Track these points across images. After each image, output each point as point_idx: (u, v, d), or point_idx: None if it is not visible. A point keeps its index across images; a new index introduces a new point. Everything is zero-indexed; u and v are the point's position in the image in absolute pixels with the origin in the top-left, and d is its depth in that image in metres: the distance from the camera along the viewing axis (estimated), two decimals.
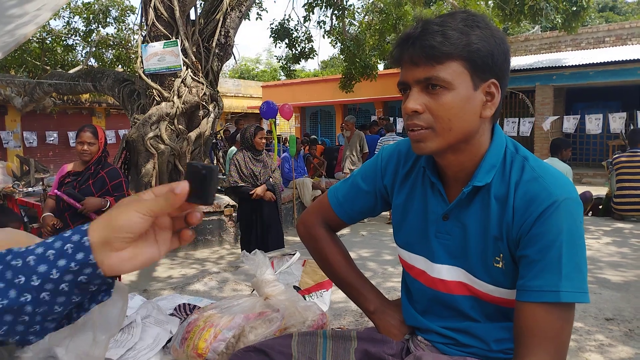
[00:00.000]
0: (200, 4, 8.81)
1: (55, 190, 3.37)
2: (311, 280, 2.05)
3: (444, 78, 0.92)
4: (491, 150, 1.00)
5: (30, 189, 6.74)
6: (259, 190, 4.67)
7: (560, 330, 0.89)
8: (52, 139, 16.99)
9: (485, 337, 1.03)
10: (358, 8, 13.65)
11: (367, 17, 13.46)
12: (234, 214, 6.55)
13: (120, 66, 16.99)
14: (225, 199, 6.58)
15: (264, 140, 4.88)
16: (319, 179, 8.87)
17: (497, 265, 0.98)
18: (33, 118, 16.23)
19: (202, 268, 5.19)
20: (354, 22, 13.71)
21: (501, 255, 0.98)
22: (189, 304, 1.61)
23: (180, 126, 7.85)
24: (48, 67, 14.32)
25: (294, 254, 1.94)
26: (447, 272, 1.05)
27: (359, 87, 13.66)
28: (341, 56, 14.70)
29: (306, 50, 13.03)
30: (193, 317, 1.31)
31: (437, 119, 0.94)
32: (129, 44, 16.70)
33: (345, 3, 12.13)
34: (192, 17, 8.21)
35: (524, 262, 0.94)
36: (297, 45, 12.97)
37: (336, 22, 12.80)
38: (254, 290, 1.45)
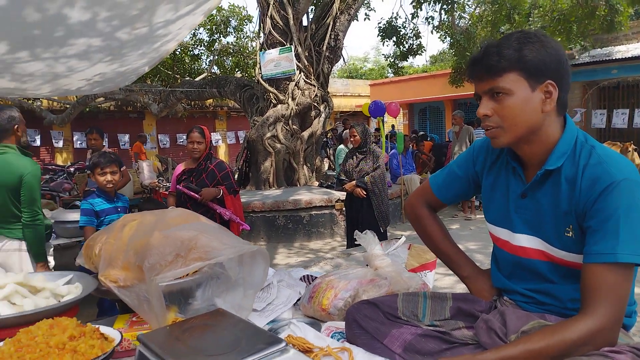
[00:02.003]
0: (312, 9, 9.30)
1: (177, 186, 3.95)
2: (416, 262, 2.27)
3: (503, 87, 1.17)
4: (562, 140, 1.20)
5: (168, 184, 7.73)
6: (347, 186, 4.95)
7: (618, 286, 1.06)
8: (181, 140, 18.80)
9: (561, 296, 1.21)
10: (468, 1, 13.31)
11: (478, 9, 13.10)
12: (344, 208, 6.90)
13: (238, 72, 18.34)
14: (336, 194, 6.94)
15: (355, 138, 5.07)
16: (427, 175, 8.92)
17: (568, 234, 1.17)
18: (166, 122, 18.14)
19: (315, 257, 5.60)
20: (464, 15, 13.41)
21: (570, 226, 1.17)
22: (311, 275, 1.93)
23: (294, 126, 8.40)
24: (178, 76, 15.94)
25: (399, 238, 2.18)
26: (526, 241, 1.26)
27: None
28: (451, 50, 14.46)
29: (414, 46, 13.04)
30: (317, 281, 1.61)
31: (503, 119, 1.19)
32: (247, 51, 17.96)
33: None
34: (304, 23, 8.72)
35: (588, 232, 1.12)
36: (404, 42, 13.04)
37: (445, 17, 12.66)
38: (366, 264, 1.73)
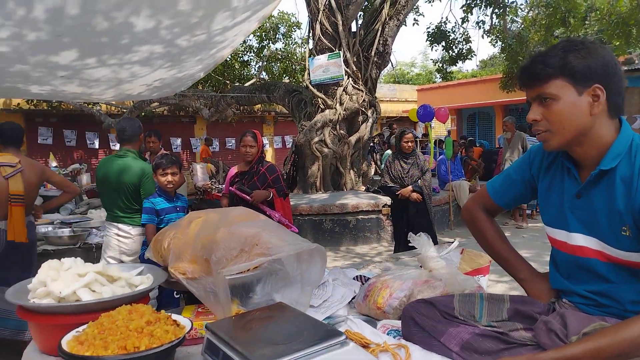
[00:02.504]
0: (361, 15, 9.35)
1: (230, 188, 4.09)
2: (468, 267, 2.26)
3: (550, 92, 1.24)
4: (617, 142, 1.23)
5: (220, 186, 7.96)
6: (404, 191, 4.94)
7: None
8: (230, 144, 19.28)
9: (621, 298, 1.21)
10: (521, 4, 13.01)
11: (531, 12, 12.77)
12: (390, 214, 6.89)
13: (286, 78, 18.63)
14: (383, 199, 6.94)
15: (410, 144, 5.10)
16: (476, 181, 8.76)
17: (624, 233, 1.19)
18: (216, 126, 18.63)
19: (362, 260, 5.62)
20: (516, 19, 13.10)
21: (627, 225, 1.18)
22: (363, 276, 1.97)
23: (341, 131, 8.47)
24: (228, 82, 16.36)
25: (452, 242, 2.18)
26: (583, 241, 1.27)
27: None
28: (502, 55, 14.14)
29: (463, 51, 12.87)
30: (372, 281, 1.65)
31: (551, 123, 1.25)
32: (295, 57, 18.23)
33: (506, 0, 11.71)
34: (353, 29, 8.78)
35: None
36: (454, 47, 12.89)
37: (497, 21, 12.41)
38: (420, 265, 1.75)
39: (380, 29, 8.51)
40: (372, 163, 10.77)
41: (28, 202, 3.55)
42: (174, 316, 1.30)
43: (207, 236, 1.53)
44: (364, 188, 8.61)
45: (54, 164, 9.89)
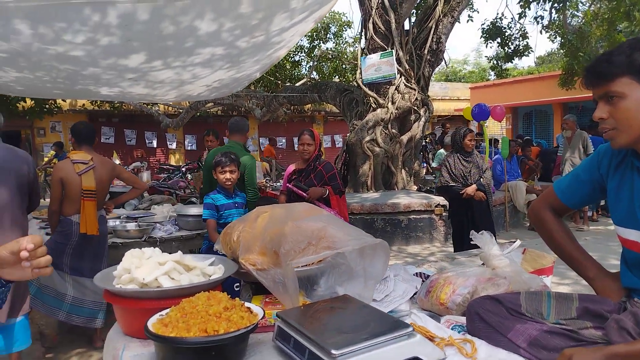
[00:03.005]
0: (414, 12, 9.27)
1: (288, 185, 4.18)
2: (530, 267, 2.23)
3: (616, 90, 1.25)
4: None
5: (274, 184, 8.14)
6: (470, 189, 4.86)
7: None
8: (281, 143, 19.58)
9: None
10: None
11: (593, 6, 12.21)
12: (444, 214, 6.80)
13: (336, 77, 18.71)
14: (436, 199, 6.87)
15: (473, 142, 5.04)
16: (533, 182, 8.50)
17: None
18: (267, 126, 18.97)
19: (414, 260, 5.60)
20: (577, 14, 12.57)
21: None
22: (423, 273, 1.99)
23: (393, 130, 8.43)
24: (279, 82, 16.62)
25: (514, 242, 2.16)
26: None
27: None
28: (561, 51, 13.61)
29: (520, 47, 12.49)
30: (434, 277, 1.68)
31: (618, 121, 1.27)
32: (345, 56, 18.26)
33: None
34: (406, 27, 8.72)
35: None
36: (510, 43, 12.53)
37: (556, 15, 11.96)
38: (483, 263, 1.76)
39: (433, 26, 8.41)
40: (424, 162, 10.65)
41: (99, 197, 3.78)
42: (247, 304, 1.37)
43: (275, 229, 1.60)
44: (416, 188, 8.54)
45: (117, 161, 10.41)
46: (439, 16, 8.38)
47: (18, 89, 4.57)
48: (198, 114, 14.97)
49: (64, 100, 13.51)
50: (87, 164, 3.73)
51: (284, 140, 19.54)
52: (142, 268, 1.49)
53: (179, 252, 1.62)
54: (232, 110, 17.64)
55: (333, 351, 1.11)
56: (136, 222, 4.63)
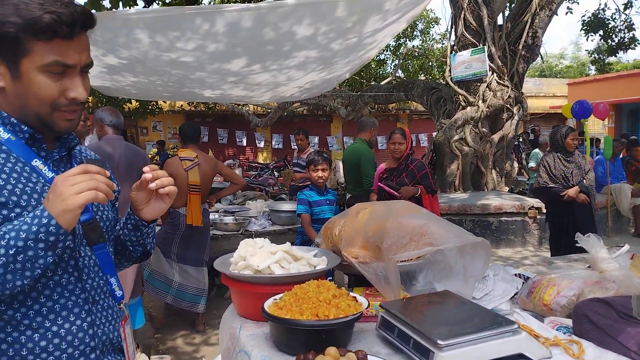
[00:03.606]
0: (507, 6, 8.91)
1: (379, 184, 4.23)
2: (639, 273, 2.12)
3: None
4: None
5: None
6: (571, 191, 4.62)
7: None
8: None
9: None
10: None
11: None
12: (538, 217, 6.51)
13: (422, 75, 18.41)
14: (530, 201, 6.59)
15: (575, 141, 4.80)
16: (639, 185, 7.85)
17: None
18: (351, 125, 19.05)
19: (505, 264, 5.41)
20: None
21: None
22: (523, 274, 1.97)
23: (483, 129, 8.18)
24: (364, 81, 16.67)
25: (622, 246, 2.07)
26: None
27: None
28: None
29: (625, 40, 11.57)
30: (537, 278, 1.66)
31: None
32: (432, 54, 17.92)
33: None
34: (499, 22, 8.42)
35: None
36: (613, 36, 11.64)
37: None
38: (588, 266, 1.71)
39: (529, 20, 8.04)
40: (516, 163, 10.21)
41: (203, 192, 4.08)
42: (352, 293, 1.46)
43: (377, 225, 1.68)
44: (507, 189, 8.22)
45: None
46: (536, 9, 8.00)
47: (133, 92, 5.06)
48: (285, 113, 15.44)
49: (164, 102, 14.56)
50: (192, 160, 4.04)
51: None
52: (256, 256, 1.63)
53: (288, 243, 1.75)
54: (317, 110, 17.99)
55: (439, 341, 1.16)
56: (233, 216, 4.93)
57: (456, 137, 8.16)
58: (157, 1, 8.74)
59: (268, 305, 1.41)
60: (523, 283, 1.77)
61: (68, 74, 1.00)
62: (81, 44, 1.01)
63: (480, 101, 8.15)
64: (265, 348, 1.41)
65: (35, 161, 1.04)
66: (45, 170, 1.05)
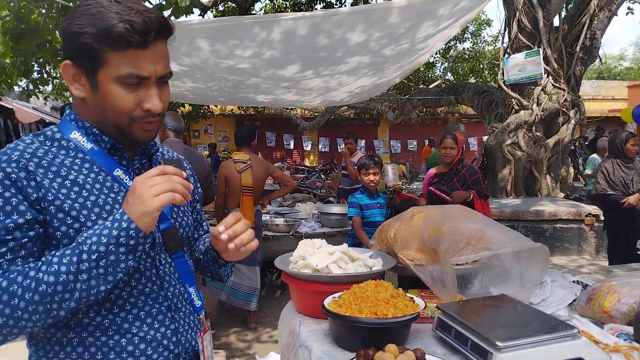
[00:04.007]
0: (564, 7, 8.64)
1: (430, 188, 4.21)
2: None
3: None
4: None
5: (410, 187, 8.22)
6: (632, 198, 4.44)
7: None
8: (412, 146, 19.47)
9: None
10: None
11: None
12: (595, 224, 6.28)
13: (472, 78, 18.06)
14: (587, 208, 6.36)
15: (636, 147, 4.62)
16: None
17: None
18: (398, 128, 18.97)
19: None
20: None
21: None
22: (581, 281, 1.94)
23: (538, 133, 7.97)
24: (412, 84, 16.53)
25: None
26: None
27: None
28: None
29: None
30: (596, 285, 1.65)
31: None
32: (483, 56, 17.55)
33: None
34: (555, 23, 8.18)
35: None
36: None
37: None
38: None
39: (587, 21, 7.77)
40: (572, 168, 9.86)
41: (256, 193, 4.21)
42: (409, 294, 1.51)
43: (433, 228, 1.71)
44: (563, 195, 7.96)
45: None
46: (594, 10, 7.72)
47: (190, 97, 5.28)
48: (332, 117, 15.54)
49: (215, 106, 14.99)
50: (245, 163, 4.18)
51: (414, 143, 19.36)
52: (315, 256, 1.70)
53: (345, 244, 1.81)
54: (364, 113, 17.98)
55: (498, 343, 1.19)
56: (284, 217, 5.05)
57: (509, 142, 7.99)
58: (211, 9, 9.09)
59: (328, 302, 1.47)
60: (582, 290, 1.75)
61: (143, 84, 0.98)
62: (157, 53, 0.97)
63: (534, 104, 7.94)
64: (325, 343, 1.47)
65: (117, 171, 1.05)
66: (126, 179, 1.05)
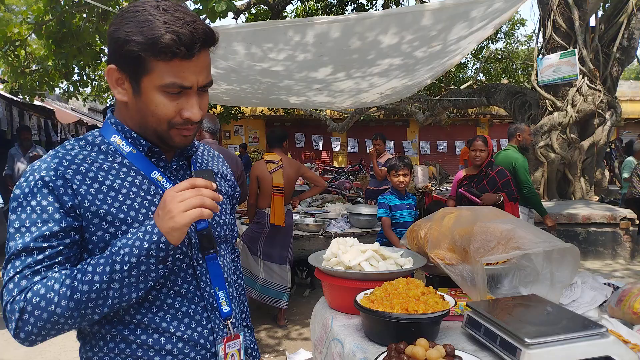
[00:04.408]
0: (601, 7, 8.45)
1: (459, 190, 4.22)
2: None
3: None
4: None
5: (440, 188, 8.19)
6: None
7: None
8: (442, 147, 19.28)
9: None
10: None
11: None
12: (631, 228, 6.14)
13: (504, 78, 17.76)
14: (622, 211, 6.22)
15: None
16: None
17: None
18: (428, 130, 18.83)
19: None
20: None
21: None
22: (613, 284, 1.94)
23: (572, 135, 7.81)
24: (443, 85, 16.38)
25: None
26: None
27: None
28: None
29: None
30: (627, 287, 1.65)
31: None
32: (516, 56, 17.25)
33: None
34: (592, 23, 8.01)
35: None
36: None
37: None
38: None
39: (625, 21, 7.58)
40: (607, 171, 9.62)
41: (287, 193, 4.30)
42: (439, 292, 1.55)
43: (464, 229, 1.75)
44: (597, 198, 7.79)
45: None
46: (633, 10, 7.52)
47: (224, 99, 5.42)
48: (362, 118, 15.55)
49: (246, 107, 15.21)
50: (277, 163, 4.28)
51: (444, 144, 19.17)
52: (347, 254, 1.77)
53: (377, 243, 1.87)
54: (394, 114, 17.91)
55: (527, 339, 1.22)
56: (314, 217, 5.12)
57: (542, 143, 7.85)
58: (244, 13, 9.25)
59: (360, 298, 1.53)
60: (612, 292, 1.76)
61: (185, 94, 1.00)
62: (200, 64, 0.99)
63: (569, 106, 7.79)
64: (357, 337, 1.53)
65: (154, 173, 1.07)
66: (163, 181, 1.07)
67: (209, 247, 1.10)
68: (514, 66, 17.41)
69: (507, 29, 17.37)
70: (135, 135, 1.06)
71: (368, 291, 1.58)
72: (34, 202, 0.96)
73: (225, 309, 1.13)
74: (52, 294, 0.91)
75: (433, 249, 1.82)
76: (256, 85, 4.43)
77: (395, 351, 1.29)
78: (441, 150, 19.42)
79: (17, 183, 1.00)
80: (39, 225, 0.95)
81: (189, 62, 0.96)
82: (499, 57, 17.55)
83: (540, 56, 8.10)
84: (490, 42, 17.19)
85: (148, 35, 0.94)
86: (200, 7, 4.12)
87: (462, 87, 13.72)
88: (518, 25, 17.32)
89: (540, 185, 7.91)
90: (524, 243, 1.61)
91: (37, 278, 0.93)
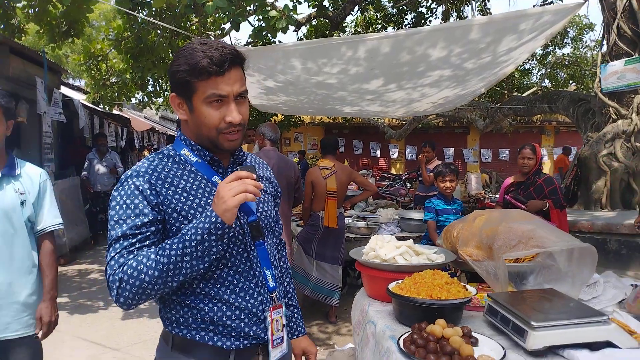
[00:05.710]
0: None
1: (505, 196, 4.29)
2: None
3: None
4: None
5: (493, 196, 8.16)
6: None
7: None
8: (504, 155, 18.83)
9: None
10: None
11: None
12: None
13: (572, 84, 17.12)
14: None
15: None
16: None
17: None
18: (489, 137, 18.46)
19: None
20: None
21: None
22: (637, 284, 2.04)
23: (637, 144, 7.54)
24: (505, 92, 16.04)
25: None
26: None
27: None
28: None
29: None
30: None
31: None
32: (585, 61, 16.60)
33: None
34: None
35: None
36: None
37: None
38: None
39: None
40: None
41: (339, 197, 4.56)
42: (463, 283, 1.75)
43: (490, 228, 1.93)
44: None
45: None
46: None
47: (283, 109, 5.78)
48: (420, 125, 15.54)
49: (305, 115, 15.64)
50: (330, 169, 4.55)
51: (507, 152, 18.71)
52: (384, 248, 1.99)
53: (411, 240, 2.08)
54: (453, 122, 17.73)
55: (533, 322, 1.40)
56: (365, 221, 5.34)
57: (604, 152, 7.64)
58: (305, 24, 9.63)
59: (392, 286, 1.76)
60: (634, 288, 1.87)
61: (225, 102, 1.26)
62: (232, 77, 1.25)
63: (634, 114, 7.53)
64: (389, 320, 1.76)
65: (215, 177, 1.35)
66: None
67: (258, 236, 1.38)
68: (583, 72, 16.76)
69: (574, 34, 16.76)
70: (199, 148, 1.35)
71: (399, 281, 1.81)
72: (128, 201, 1.26)
73: (272, 284, 1.39)
74: (142, 266, 1.19)
75: (463, 246, 2.02)
76: (312, 97, 4.73)
77: (418, 329, 1.51)
78: (503, 158, 18.97)
79: (115, 187, 1.32)
80: (133, 218, 1.25)
81: (222, 77, 1.24)
82: (566, 62, 16.95)
83: (604, 63, 7.89)
84: (556, 47, 16.66)
85: (190, 63, 1.23)
86: (263, 24, 4.48)
87: (525, 94, 13.40)
88: (587, 30, 16.66)
89: (602, 194, 7.69)
90: (544, 242, 1.77)
91: (131, 256, 1.23)
